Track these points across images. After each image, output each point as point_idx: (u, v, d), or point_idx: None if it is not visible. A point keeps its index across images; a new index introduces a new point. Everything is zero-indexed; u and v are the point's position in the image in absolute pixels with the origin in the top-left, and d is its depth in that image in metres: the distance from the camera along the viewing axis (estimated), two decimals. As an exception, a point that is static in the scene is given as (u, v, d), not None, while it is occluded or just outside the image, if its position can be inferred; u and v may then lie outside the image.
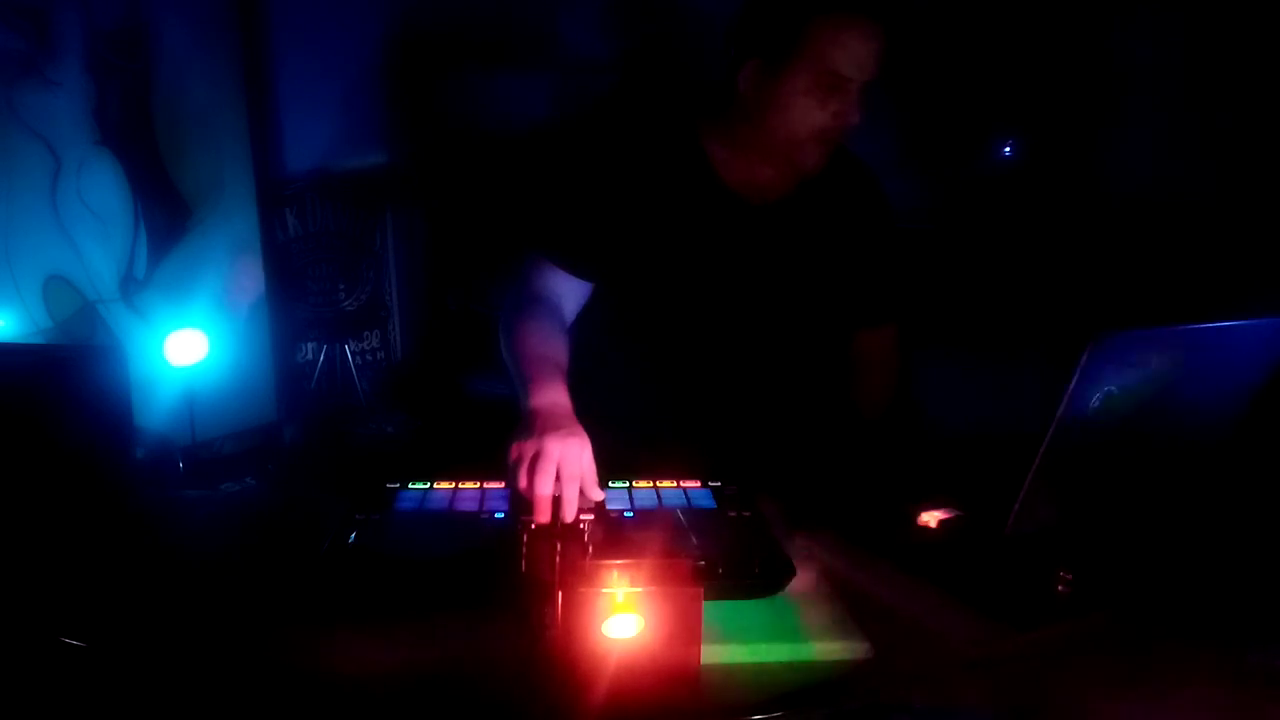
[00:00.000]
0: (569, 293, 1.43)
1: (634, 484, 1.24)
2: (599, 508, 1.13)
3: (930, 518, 1.18)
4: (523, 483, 1.08)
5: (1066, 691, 0.91)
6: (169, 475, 2.61)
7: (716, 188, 1.44)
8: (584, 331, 1.46)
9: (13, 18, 2.47)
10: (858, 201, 1.55)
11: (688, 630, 0.85)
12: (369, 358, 3.58)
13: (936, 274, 2.45)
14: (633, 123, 1.49)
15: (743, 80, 1.38)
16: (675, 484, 1.25)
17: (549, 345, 1.32)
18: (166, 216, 2.88)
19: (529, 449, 1.10)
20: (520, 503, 1.10)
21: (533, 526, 1.05)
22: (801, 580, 1.04)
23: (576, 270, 1.43)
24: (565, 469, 1.08)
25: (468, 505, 1.19)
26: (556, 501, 1.07)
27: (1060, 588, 1.05)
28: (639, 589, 0.85)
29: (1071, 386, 0.96)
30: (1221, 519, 1.20)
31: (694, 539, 1.09)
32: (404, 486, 1.23)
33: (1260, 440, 1.20)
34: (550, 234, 1.44)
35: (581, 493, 1.09)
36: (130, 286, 2.81)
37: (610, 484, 1.22)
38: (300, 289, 3.37)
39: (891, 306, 1.62)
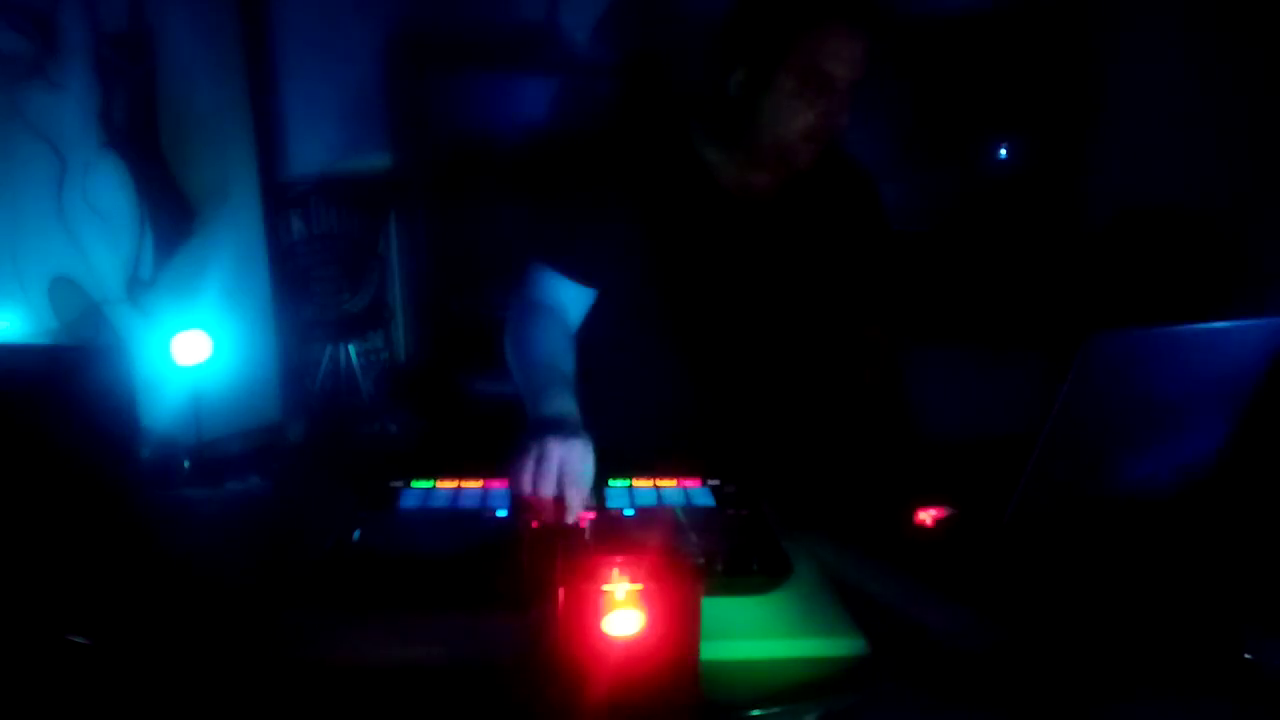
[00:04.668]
0: (573, 300, 1.43)
1: (634, 482, 1.25)
2: (599, 508, 1.14)
3: (927, 516, 1.19)
4: (526, 488, 1.09)
5: (1066, 691, 0.92)
6: (174, 475, 2.62)
7: (712, 191, 1.45)
8: (584, 332, 1.47)
9: (18, 20, 2.49)
10: (853, 200, 1.56)
11: (687, 627, 0.86)
12: (373, 358, 3.59)
13: (933, 275, 2.46)
14: (629, 130, 1.50)
15: (732, 84, 1.39)
16: (675, 482, 1.26)
17: (556, 356, 1.32)
18: (172, 218, 2.89)
19: (532, 454, 1.11)
20: (522, 503, 1.11)
21: (534, 526, 1.06)
22: (799, 578, 1.05)
23: (579, 278, 1.43)
24: (568, 472, 1.09)
25: (470, 503, 1.20)
26: (559, 503, 1.08)
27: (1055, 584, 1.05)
28: (639, 586, 0.86)
29: (1066, 386, 0.96)
30: (1221, 518, 1.20)
31: (693, 537, 1.10)
32: (407, 485, 1.24)
33: (1259, 440, 1.20)
34: (552, 243, 1.44)
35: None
36: (136, 287, 2.82)
37: (610, 482, 1.23)
38: (305, 290, 3.38)
39: (886, 305, 1.62)
